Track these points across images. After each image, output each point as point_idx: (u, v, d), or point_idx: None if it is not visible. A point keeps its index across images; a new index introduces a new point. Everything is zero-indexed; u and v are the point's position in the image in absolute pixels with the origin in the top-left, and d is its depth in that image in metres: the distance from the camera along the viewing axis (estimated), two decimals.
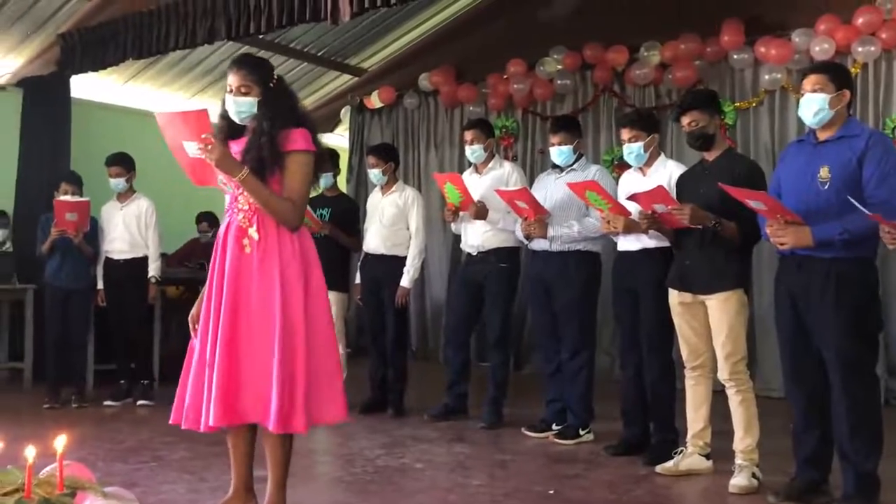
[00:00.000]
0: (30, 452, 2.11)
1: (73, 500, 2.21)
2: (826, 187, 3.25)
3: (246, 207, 2.87)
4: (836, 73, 3.38)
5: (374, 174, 5.50)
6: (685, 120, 3.87)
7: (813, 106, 3.30)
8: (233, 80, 2.90)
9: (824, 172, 3.27)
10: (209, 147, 2.74)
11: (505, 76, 7.75)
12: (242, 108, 2.89)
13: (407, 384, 5.47)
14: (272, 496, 2.91)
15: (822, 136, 3.35)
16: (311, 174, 2.93)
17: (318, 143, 2.94)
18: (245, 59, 3.05)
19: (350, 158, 8.87)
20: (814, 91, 3.31)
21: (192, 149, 2.81)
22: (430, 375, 6.59)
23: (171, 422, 2.92)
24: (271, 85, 2.91)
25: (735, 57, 6.59)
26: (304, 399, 2.78)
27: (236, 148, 2.90)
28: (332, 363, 2.90)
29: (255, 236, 2.85)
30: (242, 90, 2.88)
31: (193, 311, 2.99)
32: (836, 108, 3.29)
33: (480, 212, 4.86)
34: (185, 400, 2.88)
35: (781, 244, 3.29)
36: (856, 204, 3.00)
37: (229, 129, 2.96)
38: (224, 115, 2.96)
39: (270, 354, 2.77)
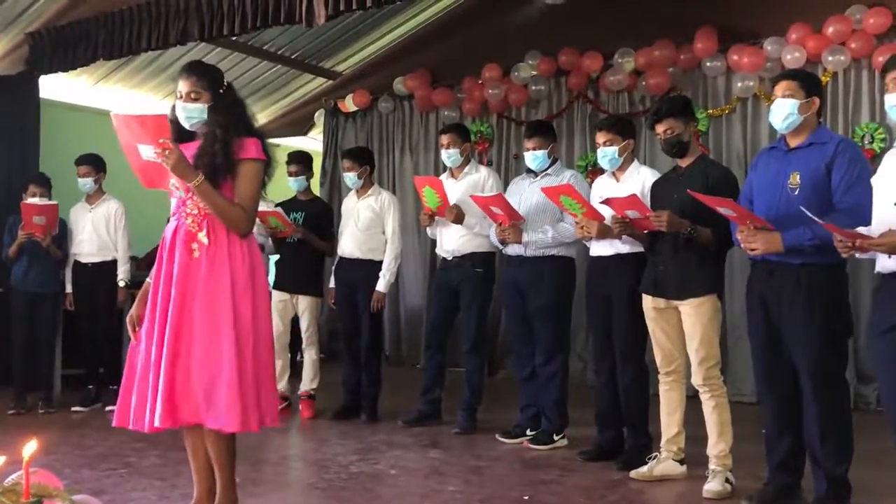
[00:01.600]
0: None
1: None
2: (796, 193, 3.29)
3: (195, 212, 2.87)
4: (806, 80, 3.43)
5: (350, 178, 5.47)
6: (660, 128, 3.89)
7: (783, 111, 3.34)
8: (182, 86, 2.91)
9: (794, 179, 3.31)
10: (167, 152, 2.73)
11: (480, 81, 7.75)
12: (192, 114, 2.90)
13: (381, 389, 5.44)
14: (222, 497, 2.90)
15: (793, 142, 3.39)
16: (262, 182, 2.96)
17: (267, 152, 2.97)
18: (195, 65, 3.06)
19: (324, 162, 8.81)
20: (784, 97, 3.35)
21: (148, 152, 2.80)
22: (404, 381, 6.56)
23: (114, 424, 2.89)
24: (221, 91, 2.93)
25: (708, 64, 6.65)
26: (254, 399, 2.81)
27: (186, 153, 2.88)
28: (271, 368, 2.95)
29: (205, 241, 2.85)
30: (192, 96, 2.90)
31: (133, 311, 2.97)
32: (805, 115, 3.34)
33: (458, 216, 4.85)
34: (129, 401, 2.86)
35: (752, 250, 3.32)
36: (808, 214, 3.02)
37: (177, 134, 2.94)
38: (173, 120, 2.95)
39: (218, 358, 2.77)
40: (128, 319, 2.97)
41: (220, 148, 2.83)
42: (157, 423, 2.76)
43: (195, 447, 2.97)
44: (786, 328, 3.31)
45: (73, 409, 5.60)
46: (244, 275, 2.86)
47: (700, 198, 3.45)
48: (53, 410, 5.55)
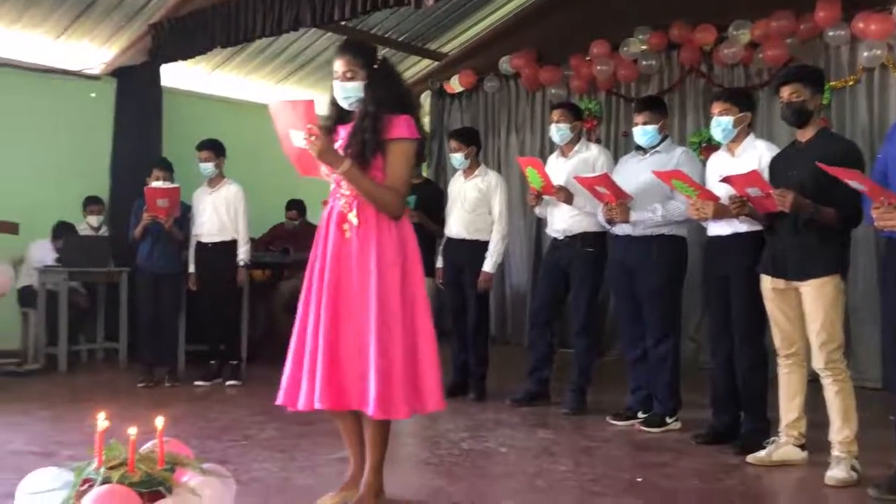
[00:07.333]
0: (132, 430, 2.19)
1: (173, 476, 2.29)
2: None
3: (347, 193, 2.91)
4: None
5: (456, 158, 5.48)
6: (786, 90, 3.70)
7: None
8: (338, 65, 2.95)
9: None
10: (313, 138, 2.77)
11: (588, 58, 7.63)
12: (349, 93, 2.93)
13: (488, 368, 5.47)
14: (368, 478, 2.95)
15: None
16: (413, 162, 2.94)
17: (421, 129, 2.95)
18: (349, 44, 3.09)
19: (430, 144, 8.88)
20: None
21: (298, 138, 2.84)
22: (510, 360, 6.58)
23: (277, 402, 2.97)
24: (375, 67, 2.94)
25: (831, 34, 6.33)
26: (403, 385, 2.80)
27: (344, 133, 2.94)
28: (432, 351, 2.91)
29: (355, 221, 2.87)
30: (348, 75, 2.92)
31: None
32: None
33: (567, 196, 4.80)
34: (291, 379, 2.94)
35: (889, 227, 3.14)
36: None
37: (338, 115, 3.00)
38: (333, 102, 3.01)
39: (366, 341, 2.80)
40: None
41: (369, 124, 2.84)
42: (317, 405, 2.81)
43: (346, 429, 3.05)
44: None
45: (196, 383, 5.86)
46: (391, 255, 2.86)
47: (829, 170, 3.27)
48: (178, 384, 5.82)
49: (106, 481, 2.14)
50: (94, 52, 7.28)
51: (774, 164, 3.87)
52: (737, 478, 3.63)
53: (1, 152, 6.78)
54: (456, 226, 5.44)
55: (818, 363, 3.63)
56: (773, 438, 3.86)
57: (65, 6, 6.59)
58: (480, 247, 5.34)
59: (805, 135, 3.74)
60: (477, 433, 4.41)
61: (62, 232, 6.70)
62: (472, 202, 5.39)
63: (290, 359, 2.96)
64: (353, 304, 2.85)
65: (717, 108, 4.10)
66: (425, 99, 8.97)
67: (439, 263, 5.63)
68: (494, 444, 4.20)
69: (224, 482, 2.42)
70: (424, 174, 7.43)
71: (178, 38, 6.79)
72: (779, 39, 6.53)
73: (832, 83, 6.34)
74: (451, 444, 4.16)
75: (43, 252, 6.63)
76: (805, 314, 3.67)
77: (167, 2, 6.84)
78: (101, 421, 2.20)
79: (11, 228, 5.43)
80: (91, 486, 2.14)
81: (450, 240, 5.51)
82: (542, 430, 4.55)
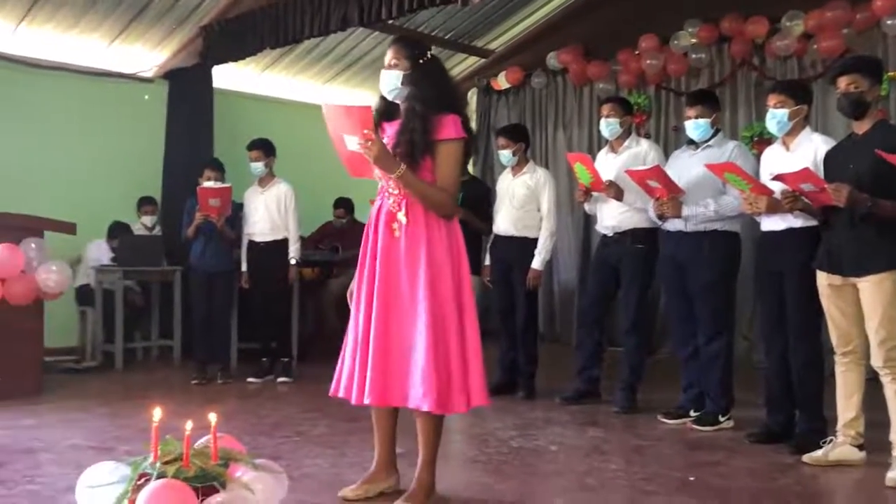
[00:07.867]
0: (187, 426, 2.24)
1: (227, 471, 2.33)
2: None
3: (396, 192, 2.93)
4: None
5: (504, 155, 5.46)
6: (843, 81, 3.61)
7: None
8: (387, 55, 3.00)
9: None
10: (369, 143, 2.80)
11: (636, 52, 7.55)
12: (389, 80, 2.96)
13: (537, 367, 5.44)
14: (420, 474, 2.98)
15: None
16: (462, 161, 2.97)
17: (468, 128, 2.96)
18: (400, 37, 3.15)
19: (476, 141, 8.86)
20: None
21: (353, 143, 2.88)
22: (559, 358, 6.55)
23: (329, 393, 3.04)
24: (421, 61, 2.96)
25: (889, 23, 6.16)
26: (460, 379, 2.85)
27: (390, 130, 2.96)
28: (477, 347, 2.95)
29: (404, 220, 2.91)
30: (392, 62, 2.97)
31: (351, 286, 3.10)
32: None
33: (618, 192, 4.75)
34: (342, 372, 3.01)
35: None
36: None
37: (385, 109, 3.03)
38: (382, 97, 3.04)
39: (419, 337, 2.83)
40: (348, 294, 3.12)
41: (418, 125, 2.86)
42: (366, 401, 2.88)
43: (380, 421, 3.10)
44: None
45: (248, 380, 5.93)
46: (442, 253, 2.90)
47: (887, 157, 3.18)
48: (230, 381, 5.91)
49: (161, 476, 2.19)
50: (146, 55, 7.42)
51: (830, 157, 3.78)
52: (792, 477, 3.56)
53: (59, 154, 6.95)
54: (504, 223, 5.43)
55: (877, 361, 3.55)
56: (829, 438, 3.78)
57: (119, 11, 6.73)
58: (529, 244, 5.32)
59: (862, 127, 3.65)
60: (526, 431, 4.39)
61: (118, 232, 6.84)
62: (521, 199, 5.37)
63: (343, 353, 3.04)
64: (402, 302, 2.88)
65: (772, 100, 4.02)
66: (472, 96, 8.96)
67: (486, 261, 5.63)
68: (544, 442, 4.19)
69: (276, 477, 2.45)
70: (471, 171, 7.44)
71: (229, 40, 6.89)
72: (834, 30, 6.38)
73: (891, 73, 6.16)
74: (500, 442, 4.15)
75: (99, 252, 6.78)
76: (863, 311, 3.58)
77: (217, 4, 6.94)
78: (157, 417, 2.24)
79: (68, 228, 5.56)
80: (147, 481, 2.19)
81: (498, 237, 5.50)
82: (593, 428, 4.51)
